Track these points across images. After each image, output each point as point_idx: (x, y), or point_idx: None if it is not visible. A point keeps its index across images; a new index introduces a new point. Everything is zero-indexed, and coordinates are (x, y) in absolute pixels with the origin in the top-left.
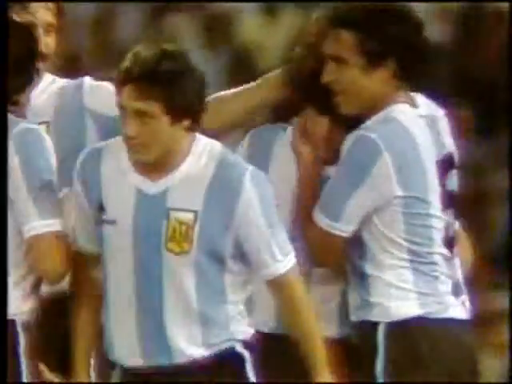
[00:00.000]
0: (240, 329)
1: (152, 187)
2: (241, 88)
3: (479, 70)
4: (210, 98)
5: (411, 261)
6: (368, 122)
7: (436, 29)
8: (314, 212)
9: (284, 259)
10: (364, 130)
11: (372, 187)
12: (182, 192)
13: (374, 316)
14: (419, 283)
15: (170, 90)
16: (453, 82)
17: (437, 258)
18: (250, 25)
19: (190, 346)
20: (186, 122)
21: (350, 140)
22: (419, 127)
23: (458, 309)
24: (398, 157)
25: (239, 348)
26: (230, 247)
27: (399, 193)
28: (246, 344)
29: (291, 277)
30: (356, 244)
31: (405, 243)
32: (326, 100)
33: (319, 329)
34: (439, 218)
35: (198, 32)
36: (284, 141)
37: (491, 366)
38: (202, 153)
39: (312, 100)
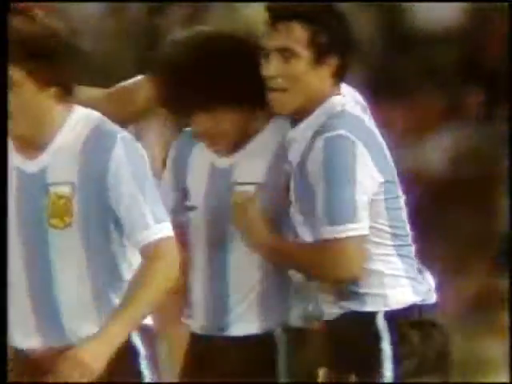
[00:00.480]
0: None
1: (30, 165)
2: (132, 81)
3: (485, 59)
4: (114, 87)
5: (395, 246)
6: (323, 121)
7: (443, 18)
8: (324, 233)
9: (156, 226)
10: (328, 131)
11: (364, 177)
12: (58, 165)
13: (369, 306)
14: (408, 269)
15: (29, 54)
16: (460, 70)
17: (410, 239)
18: (254, 8)
19: (83, 324)
20: (53, 90)
21: (320, 146)
22: (362, 113)
23: (434, 291)
24: (367, 145)
25: (134, 338)
26: (110, 217)
27: (381, 179)
28: (144, 335)
29: (160, 248)
30: None
31: (388, 229)
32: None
33: (139, 313)
34: (402, 198)
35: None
36: (201, 143)
37: (491, 350)
38: (76, 123)
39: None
